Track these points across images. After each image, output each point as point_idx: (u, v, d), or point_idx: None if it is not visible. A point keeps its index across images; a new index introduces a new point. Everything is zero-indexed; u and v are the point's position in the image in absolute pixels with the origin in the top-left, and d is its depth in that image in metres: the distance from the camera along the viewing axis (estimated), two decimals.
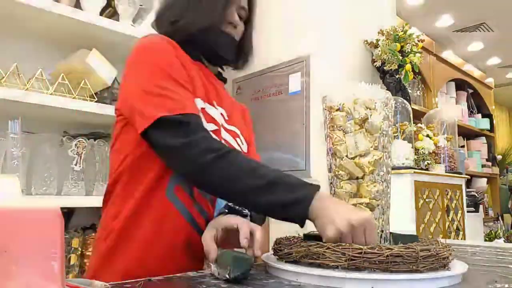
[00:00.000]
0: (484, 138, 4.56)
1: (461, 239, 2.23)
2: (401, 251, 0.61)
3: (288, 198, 0.73)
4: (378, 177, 0.73)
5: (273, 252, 0.77)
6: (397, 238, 0.74)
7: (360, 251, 0.62)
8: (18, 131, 1.53)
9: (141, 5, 2.00)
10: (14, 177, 0.49)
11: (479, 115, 4.54)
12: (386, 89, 2.26)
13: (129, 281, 0.68)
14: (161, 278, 0.71)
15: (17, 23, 1.72)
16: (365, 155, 0.72)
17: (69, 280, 0.60)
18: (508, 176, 5.03)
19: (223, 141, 0.94)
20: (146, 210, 0.86)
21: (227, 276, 0.65)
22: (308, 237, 0.75)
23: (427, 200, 1.98)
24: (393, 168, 1.93)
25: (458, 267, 0.67)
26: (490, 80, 4.73)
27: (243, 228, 0.76)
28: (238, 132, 1.01)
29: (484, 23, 4.15)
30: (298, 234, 0.79)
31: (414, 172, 1.92)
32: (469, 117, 4.34)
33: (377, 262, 0.61)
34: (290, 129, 2.29)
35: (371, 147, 0.72)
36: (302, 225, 0.73)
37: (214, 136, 0.87)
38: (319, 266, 0.65)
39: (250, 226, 0.77)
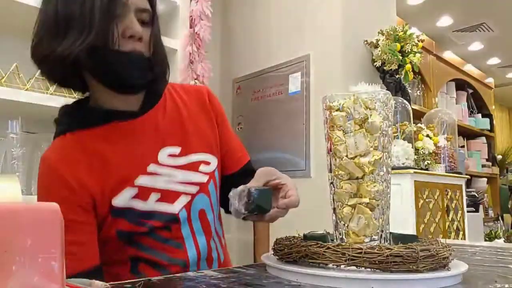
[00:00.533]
0: (484, 138, 4.56)
1: (461, 239, 2.23)
2: (401, 251, 0.61)
3: None
4: (378, 177, 0.73)
5: (273, 252, 0.77)
6: (397, 238, 0.74)
7: (360, 251, 0.62)
8: (18, 131, 1.53)
9: None
10: (14, 177, 0.49)
11: (479, 115, 4.55)
12: (386, 89, 2.26)
13: (129, 281, 0.68)
14: (161, 278, 0.71)
15: (17, 23, 1.72)
16: (365, 155, 0.72)
17: (69, 280, 0.60)
18: (508, 176, 5.03)
19: (180, 187, 0.87)
20: (107, 243, 0.84)
21: (242, 209, 0.68)
22: (308, 237, 0.75)
23: (427, 200, 1.98)
24: (393, 168, 1.93)
25: (458, 267, 0.67)
26: (490, 80, 4.73)
27: (289, 191, 0.78)
28: (199, 157, 0.91)
29: (484, 23, 4.15)
30: (298, 234, 0.79)
31: (414, 172, 1.92)
32: (469, 117, 4.35)
33: (377, 262, 0.61)
34: (290, 129, 2.29)
35: (371, 147, 0.72)
36: None
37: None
38: (319, 266, 0.65)
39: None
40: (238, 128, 2.56)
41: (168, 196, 0.86)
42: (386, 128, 0.73)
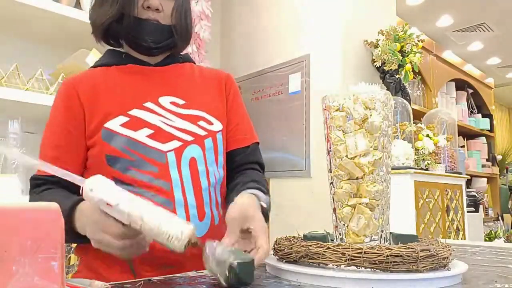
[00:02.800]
0: (484, 138, 4.56)
1: (461, 239, 2.23)
2: (401, 251, 0.61)
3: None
4: (378, 177, 0.73)
5: (273, 252, 0.77)
6: (397, 238, 0.74)
7: (360, 251, 0.62)
8: (18, 131, 1.53)
9: None
10: (14, 177, 0.49)
11: (479, 115, 4.54)
12: (386, 89, 2.26)
13: (129, 281, 0.68)
14: (161, 278, 0.71)
15: (17, 23, 1.72)
16: (365, 155, 0.72)
17: (69, 280, 0.60)
18: (508, 176, 5.02)
19: (176, 132, 0.91)
20: None
21: (222, 280, 0.62)
22: (308, 237, 0.75)
23: (427, 200, 1.98)
24: (393, 168, 1.93)
25: (458, 267, 0.67)
26: (490, 80, 4.73)
27: (258, 239, 0.73)
28: (202, 114, 0.97)
29: (484, 23, 4.15)
30: (298, 234, 0.79)
31: (414, 172, 1.92)
32: (469, 117, 4.34)
33: (377, 262, 0.61)
34: (290, 129, 2.29)
35: (371, 147, 0.72)
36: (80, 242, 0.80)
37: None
38: (319, 266, 0.65)
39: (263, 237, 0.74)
40: None
41: (160, 135, 0.91)
42: (386, 128, 0.73)
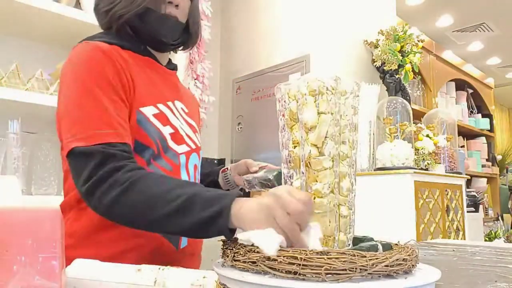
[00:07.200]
0: (484, 138, 4.56)
1: (461, 239, 2.23)
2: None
3: (205, 216, 0.65)
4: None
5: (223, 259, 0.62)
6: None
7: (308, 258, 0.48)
8: (18, 131, 1.53)
9: None
10: (14, 177, 0.49)
11: (479, 115, 4.54)
12: (386, 89, 2.27)
13: None
14: None
15: (17, 23, 1.72)
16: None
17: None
18: (508, 176, 5.02)
19: (185, 137, 0.94)
20: (109, 228, 0.81)
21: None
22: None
23: (427, 200, 1.98)
24: (393, 168, 1.93)
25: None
26: (490, 80, 4.73)
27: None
28: (195, 125, 1.02)
29: (484, 23, 4.15)
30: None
31: (414, 172, 1.92)
32: (469, 117, 4.34)
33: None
34: None
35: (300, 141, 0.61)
36: (230, 237, 0.64)
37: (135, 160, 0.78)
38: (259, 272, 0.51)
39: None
40: (238, 128, 2.56)
41: (177, 137, 0.93)
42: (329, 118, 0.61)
